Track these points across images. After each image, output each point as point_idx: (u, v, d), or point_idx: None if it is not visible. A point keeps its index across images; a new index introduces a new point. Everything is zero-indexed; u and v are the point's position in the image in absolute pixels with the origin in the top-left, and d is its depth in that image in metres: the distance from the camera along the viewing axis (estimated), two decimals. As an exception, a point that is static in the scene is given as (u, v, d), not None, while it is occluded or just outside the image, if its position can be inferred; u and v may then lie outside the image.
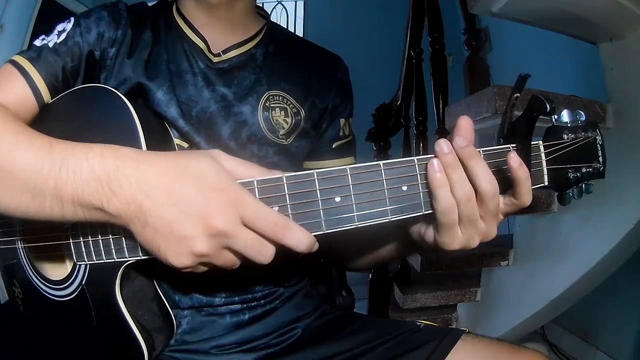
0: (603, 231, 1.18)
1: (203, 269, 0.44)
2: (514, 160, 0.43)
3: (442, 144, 0.43)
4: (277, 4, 3.44)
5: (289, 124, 0.68)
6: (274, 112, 0.67)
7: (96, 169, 0.41)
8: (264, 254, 0.42)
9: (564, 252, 1.30)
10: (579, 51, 1.60)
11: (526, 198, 0.45)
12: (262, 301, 0.68)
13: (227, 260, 0.43)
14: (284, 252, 0.43)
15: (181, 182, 0.41)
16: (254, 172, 0.44)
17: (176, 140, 0.62)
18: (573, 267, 1.26)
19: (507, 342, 0.63)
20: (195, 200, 0.40)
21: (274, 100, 0.67)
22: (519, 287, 1.47)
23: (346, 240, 0.46)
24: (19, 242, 0.60)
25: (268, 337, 0.67)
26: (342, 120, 0.74)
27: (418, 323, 0.68)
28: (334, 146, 0.74)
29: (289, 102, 0.68)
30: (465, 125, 0.46)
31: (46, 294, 0.58)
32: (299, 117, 0.69)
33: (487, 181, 0.44)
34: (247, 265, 0.44)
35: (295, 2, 3.46)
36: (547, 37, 1.52)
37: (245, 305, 0.66)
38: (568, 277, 1.27)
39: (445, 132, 1.63)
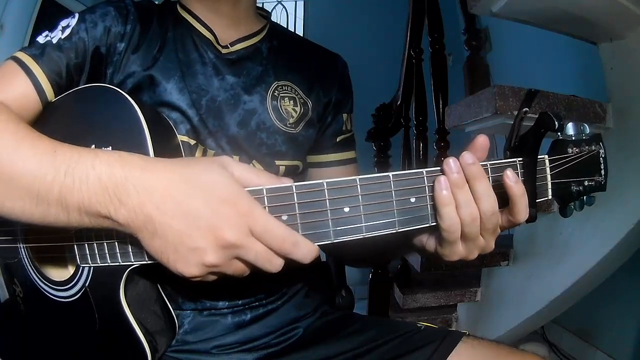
0: (603, 231, 1.18)
1: (212, 278, 0.44)
2: (510, 178, 0.44)
3: (451, 163, 0.43)
4: (277, 4, 3.43)
5: (298, 112, 0.69)
6: (282, 101, 0.68)
7: (103, 178, 0.41)
8: (274, 263, 0.42)
9: (564, 252, 1.30)
10: (579, 51, 1.60)
11: (522, 215, 0.46)
12: (264, 301, 0.68)
13: (237, 269, 0.43)
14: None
15: (191, 194, 0.40)
16: (264, 180, 0.44)
17: (183, 137, 0.62)
18: (573, 267, 1.26)
19: (507, 345, 0.63)
20: (204, 212, 0.40)
21: (282, 90, 0.69)
22: (519, 287, 1.47)
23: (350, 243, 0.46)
24: (20, 242, 0.59)
25: (269, 337, 0.67)
26: (344, 115, 0.76)
27: (419, 325, 0.68)
28: (337, 140, 0.75)
29: (296, 92, 0.70)
30: (482, 144, 0.46)
31: (48, 294, 0.57)
32: (306, 107, 0.70)
33: (488, 203, 0.44)
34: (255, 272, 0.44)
35: (295, 2, 3.46)
36: (547, 37, 1.52)
37: (247, 305, 0.67)
38: (568, 277, 1.27)
39: (445, 132, 1.63)
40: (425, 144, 1.68)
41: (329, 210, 0.43)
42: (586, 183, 0.49)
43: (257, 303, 0.67)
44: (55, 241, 0.54)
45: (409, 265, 1.67)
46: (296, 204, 0.43)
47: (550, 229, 1.35)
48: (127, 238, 0.47)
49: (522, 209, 0.45)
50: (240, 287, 0.65)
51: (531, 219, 0.47)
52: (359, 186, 0.43)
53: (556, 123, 0.44)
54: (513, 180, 0.44)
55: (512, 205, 0.45)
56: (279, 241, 0.41)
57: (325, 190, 0.43)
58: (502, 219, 0.48)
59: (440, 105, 1.65)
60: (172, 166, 0.42)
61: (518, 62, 2.22)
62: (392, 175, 0.44)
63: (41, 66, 0.57)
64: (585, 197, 0.50)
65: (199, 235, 0.40)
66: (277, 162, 0.67)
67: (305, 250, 0.42)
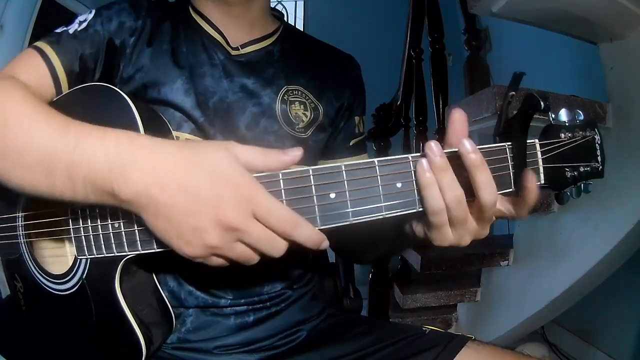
0: (603, 231, 1.18)
1: (216, 260, 0.44)
2: (530, 177, 0.44)
3: (433, 146, 0.43)
4: (277, 4, 3.44)
5: (308, 117, 0.68)
6: (292, 105, 0.68)
7: (110, 155, 0.42)
8: (276, 247, 0.42)
9: (564, 252, 1.30)
10: (579, 51, 1.60)
11: (524, 212, 0.46)
12: (268, 303, 0.67)
13: (240, 253, 0.43)
14: (294, 248, 0.43)
15: (194, 175, 0.41)
16: (270, 159, 0.43)
17: (188, 136, 0.62)
18: (573, 267, 1.26)
19: (512, 351, 0.63)
20: (207, 194, 0.40)
21: (292, 95, 0.68)
22: (519, 287, 1.47)
23: (345, 232, 0.46)
24: (21, 237, 0.60)
25: (272, 339, 0.67)
26: (356, 118, 0.75)
27: (424, 328, 0.67)
28: (350, 144, 0.74)
29: (307, 97, 0.69)
30: (459, 118, 0.46)
31: (47, 288, 0.58)
32: (317, 112, 0.69)
33: (489, 193, 0.43)
34: (255, 265, 0.44)
35: (295, 2, 3.46)
36: (547, 37, 1.52)
37: (250, 307, 0.66)
38: (568, 277, 1.27)
39: (445, 132, 1.63)
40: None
41: (315, 197, 0.43)
42: (582, 169, 0.48)
43: (260, 305, 0.67)
44: (54, 234, 0.54)
45: (409, 265, 1.67)
46: (282, 191, 0.43)
47: (550, 229, 1.36)
48: (121, 228, 0.48)
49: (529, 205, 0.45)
50: (243, 284, 0.65)
51: None
52: (344, 172, 0.43)
53: (542, 103, 0.44)
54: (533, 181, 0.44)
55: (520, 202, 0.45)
56: (281, 222, 0.41)
57: (311, 176, 0.43)
58: (505, 208, 0.47)
59: (440, 105, 1.65)
60: (179, 149, 0.43)
61: (518, 62, 2.22)
62: (378, 160, 0.44)
63: (57, 52, 0.59)
64: (582, 183, 0.49)
65: (201, 216, 0.40)
66: None
67: (308, 233, 0.42)
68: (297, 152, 0.43)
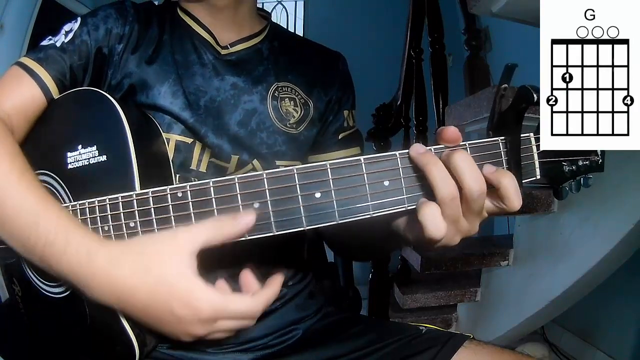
0: (603, 231, 1.17)
1: None
2: (487, 169, 0.42)
3: (416, 146, 0.43)
4: (277, 4, 3.43)
5: (299, 113, 0.69)
6: (283, 102, 0.68)
7: (73, 265, 0.45)
8: (248, 324, 0.47)
9: (564, 252, 1.30)
10: (579, 51, 1.60)
11: (515, 202, 0.42)
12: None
13: (221, 335, 0.47)
14: (289, 246, 0.45)
15: (153, 300, 0.44)
16: (227, 231, 0.44)
17: (179, 137, 0.62)
18: (573, 267, 1.26)
19: (511, 350, 0.63)
20: (169, 318, 0.44)
21: (282, 91, 0.69)
22: (519, 287, 1.47)
23: (334, 229, 0.46)
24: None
25: (267, 338, 0.67)
26: (345, 112, 0.75)
27: (421, 327, 0.67)
28: (339, 137, 0.75)
29: (297, 93, 0.70)
30: (451, 136, 0.44)
31: (43, 291, 0.58)
32: (307, 108, 0.70)
33: (473, 180, 0.41)
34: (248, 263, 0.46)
35: (295, 2, 3.46)
36: (547, 37, 1.52)
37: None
38: (568, 277, 1.27)
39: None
40: (425, 144, 1.67)
41: (299, 196, 0.43)
42: (580, 163, 0.47)
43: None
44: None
45: (409, 265, 1.67)
46: (267, 191, 0.43)
47: (550, 229, 1.35)
48: (111, 231, 0.49)
49: (513, 194, 0.42)
50: (236, 283, 0.65)
51: None
52: (329, 170, 0.43)
53: (535, 96, 0.43)
54: (491, 169, 0.42)
55: (502, 192, 0.42)
56: (245, 316, 0.46)
57: (295, 175, 0.43)
58: (493, 204, 0.44)
59: (440, 105, 1.66)
60: (134, 270, 0.44)
61: (518, 62, 2.21)
62: (364, 158, 0.43)
63: (46, 68, 0.59)
64: (581, 178, 0.47)
65: (171, 330, 0.45)
66: (277, 162, 0.67)
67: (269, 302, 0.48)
68: (249, 217, 0.43)
